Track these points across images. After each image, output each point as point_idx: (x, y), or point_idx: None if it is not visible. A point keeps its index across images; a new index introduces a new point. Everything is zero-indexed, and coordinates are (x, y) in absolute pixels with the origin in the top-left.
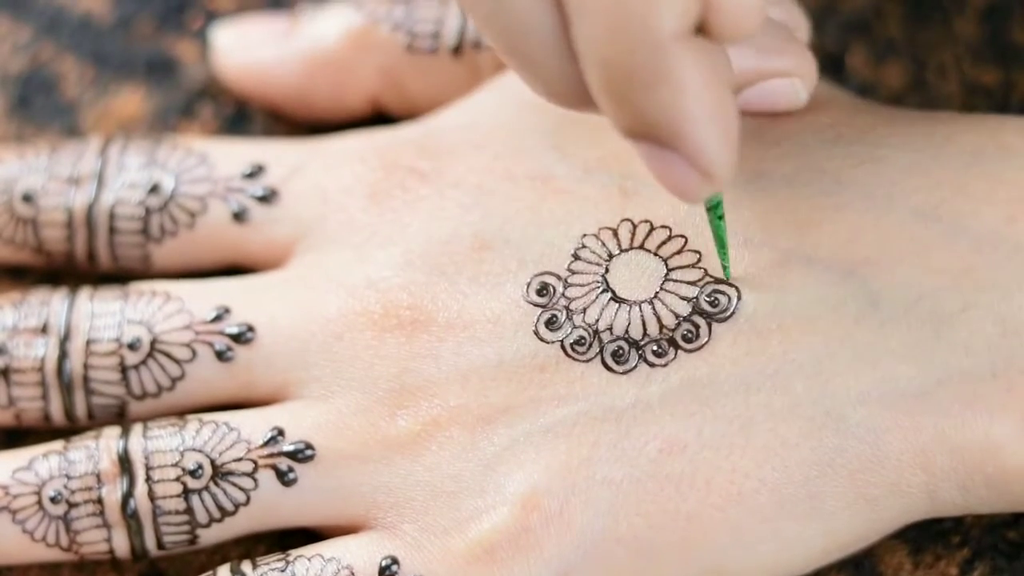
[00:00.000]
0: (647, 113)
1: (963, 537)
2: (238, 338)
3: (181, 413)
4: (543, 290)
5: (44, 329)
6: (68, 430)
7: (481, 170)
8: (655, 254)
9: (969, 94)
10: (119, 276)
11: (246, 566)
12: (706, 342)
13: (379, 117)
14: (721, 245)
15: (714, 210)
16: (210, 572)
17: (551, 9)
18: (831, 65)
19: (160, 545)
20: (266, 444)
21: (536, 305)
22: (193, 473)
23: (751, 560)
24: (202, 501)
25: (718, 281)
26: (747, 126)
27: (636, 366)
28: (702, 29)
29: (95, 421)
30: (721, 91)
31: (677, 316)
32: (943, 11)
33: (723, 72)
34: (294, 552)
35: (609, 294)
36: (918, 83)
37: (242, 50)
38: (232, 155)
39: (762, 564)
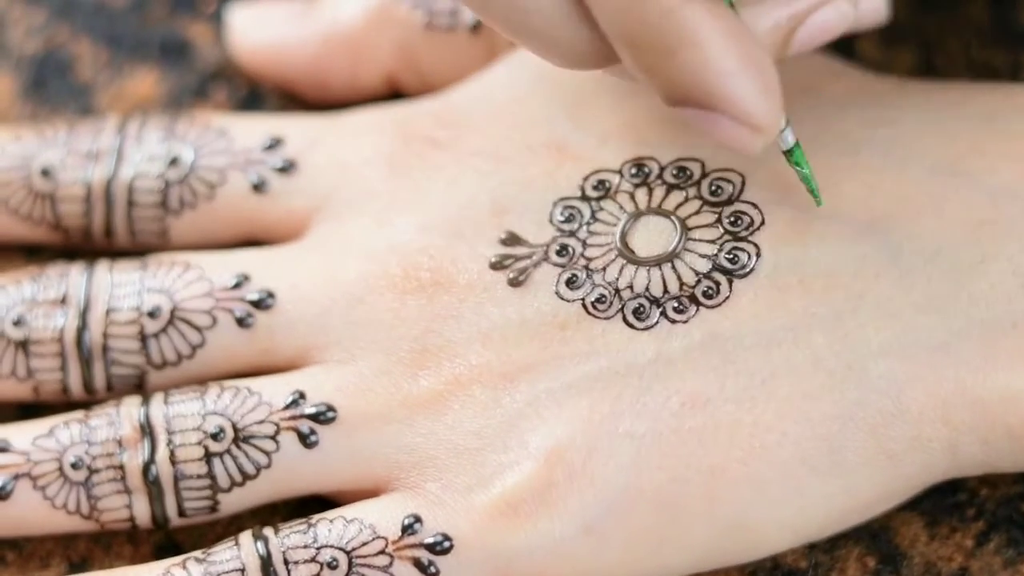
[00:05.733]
0: (678, 79)
1: (978, 509)
2: (258, 304)
3: (201, 382)
4: (563, 251)
5: (63, 301)
6: (85, 405)
7: (498, 139)
8: (673, 214)
9: (978, 77)
10: (136, 253)
11: (268, 531)
12: (727, 298)
13: (395, 98)
14: (808, 184)
15: (790, 155)
16: (231, 538)
17: None
18: (841, 49)
19: (181, 512)
20: (288, 407)
21: (556, 265)
22: (215, 437)
23: (773, 517)
24: (224, 465)
25: (737, 238)
26: None
27: (657, 322)
28: None
29: (113, 392)
30: (745, 42)
31: (697, 273)
32: None
33: (743, 26)
34: (316, 516)
35: (628, 254)
36: (927, 67)
37: (258, 29)
38: (251, 128)
39: (783, 521)
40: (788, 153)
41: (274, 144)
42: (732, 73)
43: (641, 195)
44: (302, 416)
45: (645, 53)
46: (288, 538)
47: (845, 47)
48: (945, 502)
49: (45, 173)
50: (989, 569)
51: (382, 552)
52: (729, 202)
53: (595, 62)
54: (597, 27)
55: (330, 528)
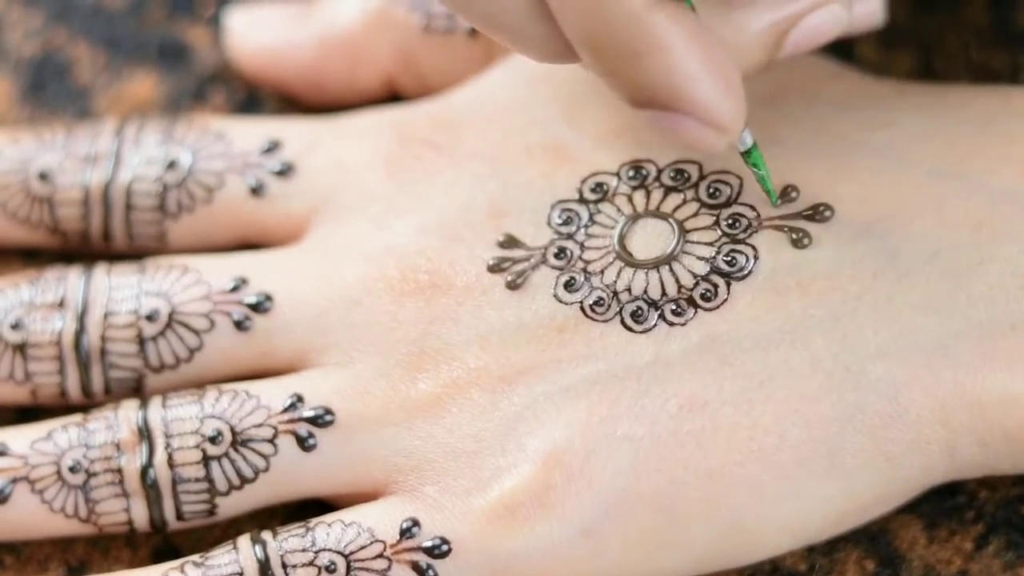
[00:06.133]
0: (643, 82)
1: (977, 512)
2: (256, 307)
3: (199, 385)
4: (561, 253)
5: (61, 304)
6: (83, 408)
7: (495, 142)
8: (671, 217)
9: (977, 79)
10: (134, 256)
11: (266, 534)
12: (725, 300)
13: (392, 101)
14: (764, 185)
15: (747, 155)
16: (229, 542)
17: None
18: (840, 52)
19: (179, 515)
20: (286, 410)
21: (554, 268)
22: (213, 440)
23: (771, 519)
24: (222, 468)
25: (735, 241)
26: (761, 95)
27: (655, 325)
28: None
29: (111, 396)
30: (708, 45)
31: (695, 276)
32: None
33: (705, 29)
34: (314, 520)
35: (626, 256)
36: (926, 69)
37: (256, 32)
38: (249, 131)
39: (782, 524)
40: (746, 154)
41: (272, 147)
42: (697, 76)
43: (639, 197)
44: (300, 419)
45: (609, 57)
46: (286, 542)
47: (844, 49)
48: (944, 505)
49: (43, 176)
50: (988, 572)
51: (380, 556)
52: (727, 204)
53: (570, 57)
54: None
55: (328, 532)
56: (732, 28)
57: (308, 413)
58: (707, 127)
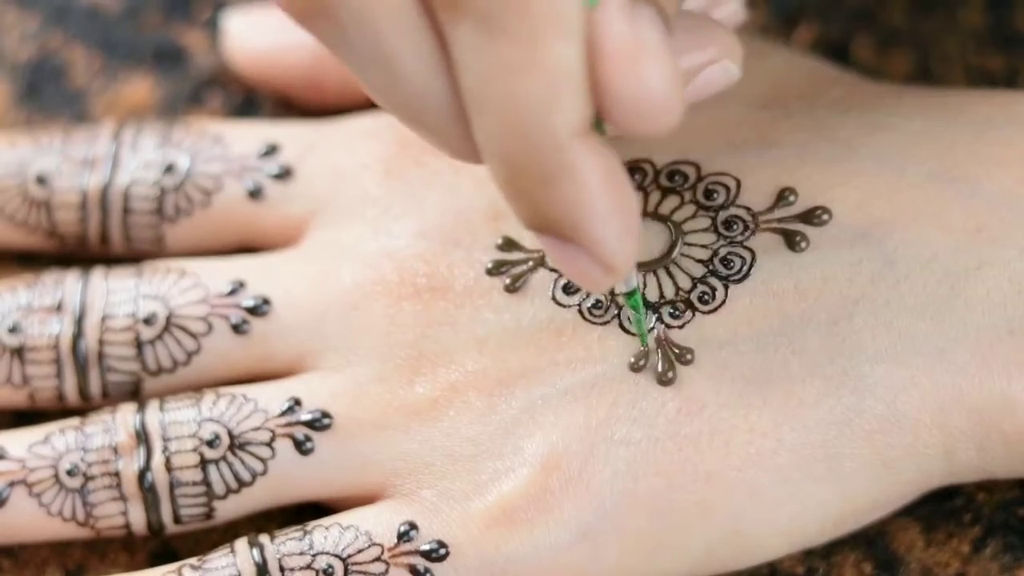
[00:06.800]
0: (549, 209)
1: (975, 515)
2: (254, 311)
3: (197, 389)
4: None
5: (59, 308)
6: (80, 412)
7: None
8: (669, 219)
9: (974, 82)
10: (131, 260)
11: (264, 538)
12: (722, 303)
13: None
14: (639, 328)
15: (628, 296)
16: (227, 545)
17: (445, 83)
18: (836, 54)
19: (177, 519)
20: (283, 414)
21: (552, 271)
22: (210, 443)
23: (769, 524)
24: (219, 471)
25: (732, 243)
26: (760, 98)
27: (653, 328)
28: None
29: (109, 400)
30: (619, 185)
31: (692, 278)
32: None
33: (620, 167)
34: (311, 523)
35: None
36: (923, 72)
37: (254, 35)
38: (247, 135)
39: (779, 528)
40: (627, 295)
41: (270, 151)
42: (603, 215)
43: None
44: (298, 423)
45: (520, 178)
46: (284, 545)
47: (841, 52)
48: (942, 507)
49: (40, 180)
50: (986, 574)
51: (378, 559)
52: (724, 207)
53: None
54: None
55: (326, 535)
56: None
57: (305, 417)
58: (598, 265)
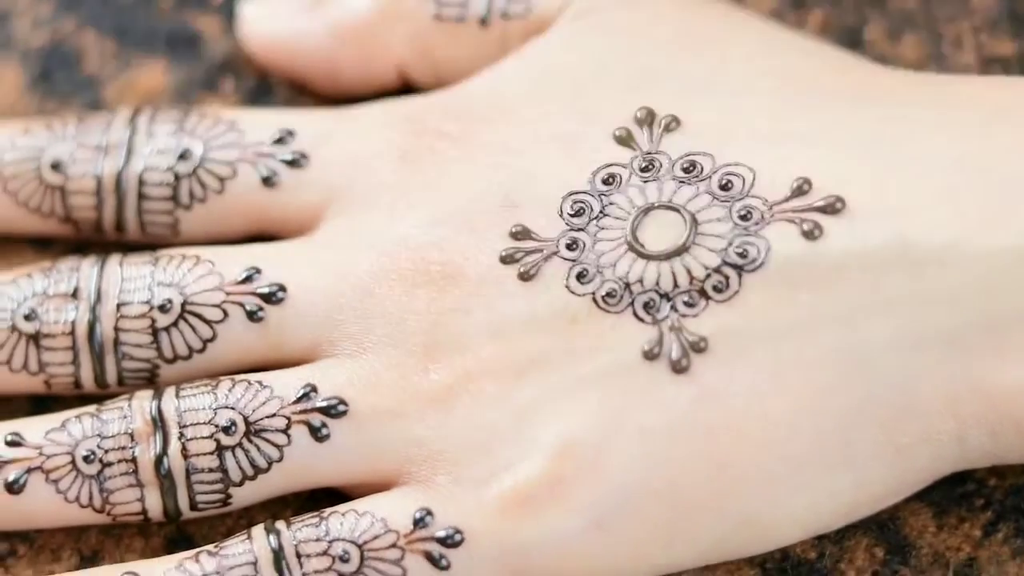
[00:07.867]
0: None
1: (987, 499)
2: (269, 298)
3: (212, 376)
4: (573, 245)
5: (74, 294)
6: (97, 399)
7: (508, 132)
8: (684, 208)
9: (986, 66)
10: (146, 246)
11: (280, 524)
12: (736, 292)
13: (405, 91)
14: None
15: None
16: (243, 531)
17: None
18: (848, 39)
19: (193, 505)
20: (299, 400)
21: (567, 259)
22: (226, 430)
23: (783, 512)
24: (235, 458)
25: (747, 233)
26: (771, 88)
27: (667, 317)
28: None
29: (125, 387)
30: None
31: (707, 267)
32: None
33: None
34: (328, 510)
35: (638, 248)
36: (935, 56)
37: (269, 21)
38: (261, 122)
39: (793, 516)
40: None
41: (284, 137)
42: None
43: (651, 189)
44: (313, 410)
45: None
46: (300, 531)
47: (852, 37)
48: (953, 492)
49: (55, 166)
50: (997, 559)
51: (394, 545)
52: (739, 197)
53: None
54: None
55: (342, 521)
56: None
57: (321, 403)
58: None
